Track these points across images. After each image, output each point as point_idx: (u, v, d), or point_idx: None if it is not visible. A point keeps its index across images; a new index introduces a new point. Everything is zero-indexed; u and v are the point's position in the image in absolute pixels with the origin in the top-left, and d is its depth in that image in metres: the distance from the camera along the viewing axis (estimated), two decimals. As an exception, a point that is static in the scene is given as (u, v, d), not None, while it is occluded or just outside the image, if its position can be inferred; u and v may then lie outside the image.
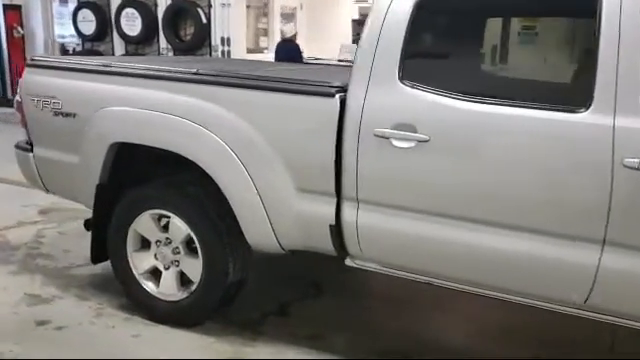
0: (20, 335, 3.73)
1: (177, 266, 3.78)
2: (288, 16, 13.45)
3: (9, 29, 12.79)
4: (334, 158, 3.18)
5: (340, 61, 11.02)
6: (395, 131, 3.02)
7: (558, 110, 2.77)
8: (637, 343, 3.78)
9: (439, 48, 3.19)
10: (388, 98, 3.07)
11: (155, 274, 3.89)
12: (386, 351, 3.69)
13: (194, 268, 3.70)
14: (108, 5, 12.15)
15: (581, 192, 2.74)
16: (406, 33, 3.04)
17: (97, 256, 4.06)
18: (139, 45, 12.07)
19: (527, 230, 2.87)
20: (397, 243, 3.19)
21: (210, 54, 11.27)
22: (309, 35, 12.82)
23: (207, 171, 3.48)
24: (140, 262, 3.89)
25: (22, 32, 12.98)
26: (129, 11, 11.74)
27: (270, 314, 4.07)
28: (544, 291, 2.96)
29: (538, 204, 2.84)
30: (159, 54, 11.77)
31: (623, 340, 3.83)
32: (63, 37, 13.37)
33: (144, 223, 3.81)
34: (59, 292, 4.27)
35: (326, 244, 3.35)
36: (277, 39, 12.01)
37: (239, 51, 11.34)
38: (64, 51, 13.33)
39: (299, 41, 10.68)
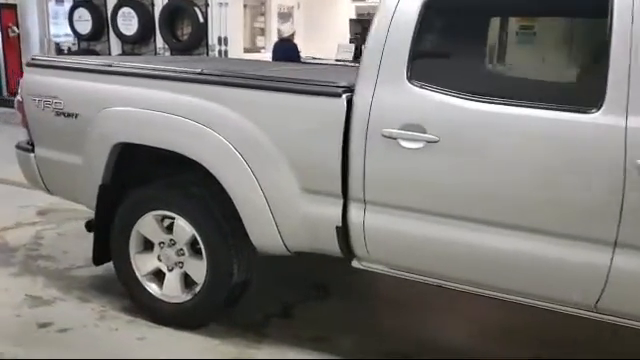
0: (22, 337, 3.70)
1: (181, 268, 3.75)
2: (285, 15, 13.43)
3: (4, 28, 12.73)
4: (340, 159, 3.15)
5: (338, 61, 11.01)
6: (403, 131, 2.99)
7: (569, 110, 2.75)
8: (637, 343, 3.77)
9: (448, 48, 3.15)
10: (396, 98, 3.04)
11: (158, 276, 3.85)
12: (391, 352, 3.67)
13: (198, 270, 3.67)
14: (104, 4, 12.10)
15: (592, 193, 2.72)
16: (414, 32, 3.01)
17: (99, 258, 4.02)
18: (135, 45, 12.03)
19: (537, 232, 2.85)
20: (405, 245, 3.16)
21: (207, 54, 11.25)
22: (306, 34, 12.80)
23: (211, 172, 3.44)
24: (143, 264, 3.85)
25: (17, 31, 12.92)
26: (125, 10, 11.70)
27: (274, 316, 4.04)
28: (557, 293, 2.94)
29: (547, 205, 2.82)
30: (156, 54, 11.74)
31: (623, 340, 3.80)
32: (57, 36, 13.32)
33: (147, 224, 3.77)
34: (61, 294, 4.23)
35: (332, 246, 3.33)
36: (274, 38, 11.98)
37: (236, 51, 11.31)
38: (59, 51, 13.28)
39: (296, 40, 10.65)
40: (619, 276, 2.75)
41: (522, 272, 2.94)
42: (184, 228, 3.64)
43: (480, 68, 3.30)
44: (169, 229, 3.76)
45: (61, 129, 3.92)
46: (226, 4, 11.08)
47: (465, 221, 2.97)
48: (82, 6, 12.18)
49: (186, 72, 3.58)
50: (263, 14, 13.10)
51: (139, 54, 11.81)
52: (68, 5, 12.58)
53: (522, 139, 2.83)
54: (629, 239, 2.69)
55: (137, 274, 3.85)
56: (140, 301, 3.90)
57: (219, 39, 11.23)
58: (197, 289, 3.70)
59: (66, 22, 12.68)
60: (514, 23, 3.36)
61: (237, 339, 3.72)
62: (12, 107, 11.07)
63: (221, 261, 3.58)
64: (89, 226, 4.11)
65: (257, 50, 12.62)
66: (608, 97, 2.66)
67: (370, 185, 3.12)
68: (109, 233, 3.90)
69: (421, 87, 3.00)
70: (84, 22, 12.23)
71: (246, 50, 12.04)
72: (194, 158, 3.47)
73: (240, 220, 3.46)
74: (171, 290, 3.79)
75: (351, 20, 13.52)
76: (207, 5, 11.16)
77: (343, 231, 3.26)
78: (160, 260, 3.81)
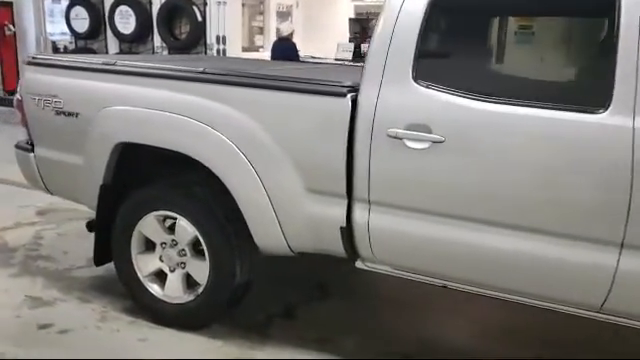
0: (23, 338, 3.66)
1: (183, 268, 3.72)
2: (284, 14, 13.41)
3: (0, 27, 12.67)
4: (345, 159, 3.12)
5: (337, 60, 10.99)
6: (409, 131, 2.96)
7: (576, 111, 2.72)
8: (638, 343, 3.76)
9: (454, 47, 3.12)
10: (401, 98, 3.02)
11: (160, 276, 3.82)
12: (394, 353, 3.65)
13: (201, 270, 3.64)
14: (102, 2, 12.07)
15: (599, 194, 2.70)
16: (420, 32, 2.99)
17: (100, 258, 3.98)
18: (133, 43, 11.99)
19: (544, 233, 2.83)
20: (410, 245, 3.14)
21: (205, 52, 11.22)
22: (305, 34, 12.79)
23: (214, 172, 3.42)
24: (145, 264, 3.82)
25: (13, 30, 12.87)
26: (123, 9, 11.67)
27: (276, 317, 4.02)
28: (564, 294, 2.91)
29: (553, 206, 2.79)
30: (153, 52, 11.71)
31: (624, 340, 3.80)
32: (53, 35, 13.28)
33: (149, 224, 3.74)
34: (61, 294, 4.20)
35: (337, 246, 3.30)
36: (273, 37, 11.97)
37: (234, 50, 11.29)
38: (55, 49, 13.24)
39: (295, 40, 10.61)
40: (626, 277, 2.73)
41: (529, 273, 2.92)
42: (186, 228, 3.61)
43: (486, 68, 3.28)
44: (171, 229, 3.73)
45: (61, 128, 3.88)
46: (224, 3, 11.05)
47: (471, 222, 2.95)
48: (79, 4, 12.13)
49: (189, 71, 3.54)
50: (261, 13, 13.09)
51: (137, 53, 11.77)
52: (65, 3, 12.54)
53: (528, 139, 2.80)
54: (636, 240, 2.67)
55: (139, 275, 3.82)
56: (142, 302, 3.87)
57: (217, 38, 11.20)
58: (199, 290, 3.67)
59: (62, 20, 12.65)
60: (520, 22, 3.32)
61: (240, 340, 3.70)
62: (8, 106, 11.09)
63: (224, 262, 3.55)
64: (90, 226, 4.08)
65: (255, 49, 12.61)
66: (615, 97, 2.64)
67: (375, 185, 3.10)
68: (110, 233, 3.87)
69: (427, 87, 2.97)
70: (81, 20, 12.19)
71: (244, 49, 12.03)
72: (197, 158, 3.44)
73: (243, 220, 3.44)
74: (173, 291, 3.76)
75: (350, 19, 13.49)
76: (205, 4, 11.13)
77: (347, 232, 3.24)
78: (162, 261, 3.78)
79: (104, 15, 12.03)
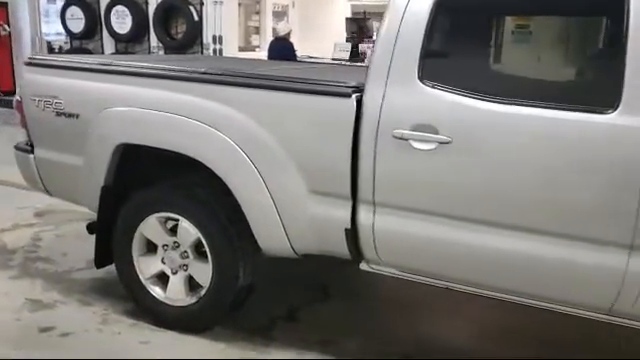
0: (24, 342, 3.63)
1: (185, 270, 3.69)
2: (280, 14, 13.39)
3: (-5, 27, 12.66)
4: (350, 160, 3.09)
5: (334, 59, 10.96)
6: (415, 132, 2.94)
7: (585, 111, 2.70)
8: (637, 343, 3.75)
9: (460, 47, 3.10)
10: (407, 98, 2.99)
11: (162, 279, 3.79)
12: (395, 353, 3.64)
13: (203, 272, 3.61)
14: (97, 2, 12.02)
15: (608, 195, 2.67)
16: (425, 32, 2.96)
17: (101, 260, 3.95)
18: (129, 43, 11.96)
19: (553, 234, 2.80)
20: (416, 247, 3.11)
21: (202, 52, 11.19)
22: (301, 33, 12.76)
23: (217, 173, 3.39)
24: (147, 267, 3.78)
25: (8, 30, 12.81)
26: (119, 8, 11.63)
27: (279, 319, 3.99)
28: (572, 296, 2.90)
29: (561, 207, 2.77)
30: (150, 52, 11.67)
31: (623, 340, 3.78)
32: (48, 35, 13.23)
33: (151, 226, 3.71)
34: (61, 297, 4.16)
35: (341, 248, 3.27)
36: (269, 37, 11.95)
37: (231, 49, 11.28)
38: (50, 49, 13.19)
39: (291, 39, 10.58)
40: (635, 279, 2.71)
41: (537, 276, 2.90)
42: (188, 230, 3.58)
43: (493, 68, 3.26)
44: (173, 231, 3.70)
45: (61, 129, 3.85)
46: (221, 2, 11.02)
47: (479, 224, 2.92)
48: (75, 4, 12.08)
49: (190, 71, 3.51)
50: (257, 13, 13.07)
51: (133, 53, 11.73)
52: (60, 3, 12.49)
53: (536, 140, 2.78)
54: None
55: (140, 277, 3.79)
56: (143, 304, 3.83)
57: (214, 38, 11.17)
58: (202, 292, 3.64)
59: (57, 20, 12.60)
60: (526, 22, 3.30)
61: (243, 343, 3.67)
62: (4, 106, 11.04)
63: (227, 264, 3.52)
64: (90, 228, 4.03)
65: (252, 49, 12.60)
66: (624, 97, 2.62)
67: (380, 187, 3.07)
68: (111, 235, 3.84)
69: (433, 87, 2.95)
70: (77, 20, 12.14)
71: (240, 49, 12.00)
72: (199, 159, 3.41)
73: (246, 222, 3.41)
74: (175, 293, 3.73)
75: (347, 19, 13.47)
76: (202, 3, 11.10)
77: (352, 233, 3.21)
78: (164, 263, 3.75)
79: (100, 15, 11.98)
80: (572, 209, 2.75)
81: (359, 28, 12.36)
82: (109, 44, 12.15)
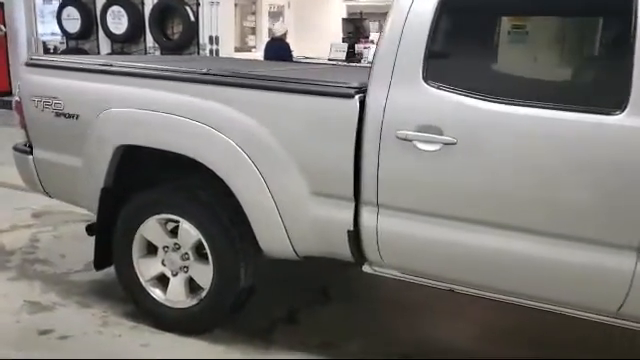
0: (23, 344, 3.60)
1: (186, 272, 3.66)
2: (275, 14, 13.38)
3: (-9, 28, 12.62)
4: (353, 161, 3.07)
5: (330, 60, 10.94)
6: (419, 133, 2.92)
7: (592, 112, 2.68)
8: (637, 343, 3.75)
9: (465, 47, 3.08)
10: (411, 99, 2.97)
11: (162, 281, 3.76)
12: (395, 353, 3.63)
13: (204, 274, 3.58)
14: (93, 3, 11.99)
15: (617, 196, 2.66)
16: (430, 32, 2.94)
17: (100, 262, 3.91)
18: (125, 44, 11.94)
19: (560, 236, 2.78)
20: (420, 249, 3.09)
21: (198, 53, 11.17)
22: (297, 34, 12.74)
23: (219, 174, 3.36)
24: (147, 268, 3.75)
25: (4, 30, 12.77)
26: (115, 9, 11.62)
27: (279, 321, 3.96)
28: (579, 299, 2.88)
29: (568, 209, 2.75)
30: (146, 53, 11.65)
31: (623, 339, 3.78)
32: (43, 35, 13.19)
33: (151, 228, 3.68)
34: (60, 299, 4.13)
35: (344, 250, 3.25)
36: (265, 38, 11.93)
37: (227, 50, 11.26)
38: (45, 50, 13.16)
39: (287, 40, 10.57)
40: None
41: (544, 278, 2.88)
42: (189, 232, 3.55)
43: (499, 68, 3.24)
44: (173, 233, 3.68)
45: (61, 130, 3.82)
46: (217, 3, 11.01)
47: (484, 225, 2.90)
48: (71, 4, 12.06)
49: (192, 72, 3.49)
50: (253, 13, 13.05)
51: (129, 53, 11.71)
52: (56, 4, 12.47)
53: (543, 141, 2.76)
54: None
55: (140, 279, 3.76)
56: (143, 306, 3.81)
57: (210, 38, 11.14)
58: (203, 294, 3.61)
59: (53, 21, 12.59)
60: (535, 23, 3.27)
61: (243, 345, 3.65)
62: (2, 107, 10.99)
63: (228, 265, 3.50)
64: (90, 230, 4.00)
65: (248, 49, 12.57)
66: (632, 98, 2.60)
67: (384, 188, 3.05)
68: (111, 237, 3.81)
69: (437, 87, 2.93)
70: (73, 21, 12.13)
71: (237, 49, 11.98)
72: (201, 160, 3.38)
73: (247, 223, 3.39)
74: (175, 295, 3.70)
75: (344, 19, 13.45)
76: (198, 4, 11.08)
77: (355, 235, 3.19)
78: (164, 265, 3.72)
79: (96, 15, 11.94)
80: (579, 211, 2.73)
81: (355, 28, 12.32)
82: (105, 44, 12.12)
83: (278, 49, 10.12)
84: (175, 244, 3.66)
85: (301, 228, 3.30)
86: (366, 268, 3.34)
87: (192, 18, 11.07)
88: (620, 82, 2.63)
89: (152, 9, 11.33)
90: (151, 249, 3.76)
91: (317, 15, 13.88)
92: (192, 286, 3.68)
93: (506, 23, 3.12)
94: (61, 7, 12.18)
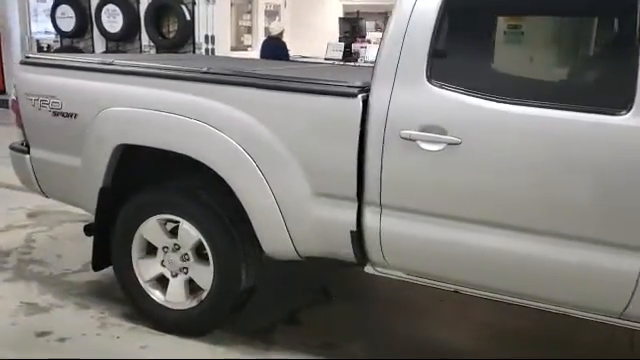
0: (21, 347, 3.55)
1: (186, 273, 3.62)
2: (272, 13, 13.35)
3: (-15, 26, 12.55)
4: (356, 161, 3.04)
5: (327, 59, 10.92)
6: (423, 133, 2.89)
7: (597, 112, 2.66)
8: (637, 343, 3.75)
9: (469, 46, 3.04)
10: (415, 98, 2.94)
11: (162, 282, 3.72)
12: (396, 352, 3.62)
13: (204, 275, 3.54)
14: (88, 1, 11.93)
15: (621, 197, 2.64)
16: (433, 31, 2.91)
17: (99, 263, 3.87)
18: (120, 42, 11.87)
19: (565, 237, 2.76)
20: (423, 250, 3.06)
21: (194, 52, 11.14)
22: (293, 33, 12.70)
23: (220, 174, 3.32)
24: (146, 269, 3.71)
25: (-2, 28, 12.72)
26: (110, 7, 11.56)
27: (279, 322, 3.94)
28: (584, 300, 2.86)
29: (574, 209, 2.73)
30: (141, 51, 11.60)
31: (622, 340, 3.78)
32: (37, 34, 13.13)
33: (151, 228, 3.64)
34: (57, 300, 4.08)
35: (346, 251, 3.22)
36: (261, 37, 11.89)
37: (223, 49, 11.23)
38: (39, 48, 13.10)
39: (284, 39, 10.53)
40: None
41: (549, 279, 2.85)
42: (189, 232, 3.51)
43: (504, 68, 3.21)
44: (173, 233, 3.64)
45: (59, 130, 3.77)
46: (213, 2, 10.97)
47: (488, 226, 2.88)
48: (65, 3, 11.99)
49: (192, 71, 3.45)
50: (249, 12, 13.01)
51: (124, 52, 11.66)
52: (50, 2, 12.39)
53: (548, 141, 2.73)
54: None
55: (139, 280, 3.72)
56: (142, 308, 3.77)
57: (206, 37, 11.10)
58: (203, 295, 3.57)
59: (46, 19, 12.53)
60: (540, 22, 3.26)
61: (243, 347, 3.61)
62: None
63: (229, 266, 3.46)
64: (88, 230, 3.95)
65: (244, 48, 12.54)
66: (638, 98, 2.58)
67: (387, 188, 3.02)
68: (109, 237, 3.77)
69: (441, 87, 2.90)
70: (67, 19, 12.07)
71: (233, 48, 11.95)
72: (202, 160, 3.34)
73: (248, 223, 3.35)
74: (175, 296, 3.66)
75: (340, 19, 13.43)
76: (194, 3, 11.04)
77: (357, 236, 3.16)
78: (164, 266, 3.68)
79: (91, 14, 11.89)
80: (584, 211, 2.71)
81: (352, 28, 12.31)
82: (100, 43, 12.07)
83: (275, 48, 10.08)
84: (175, 245, 3.62)
85: (303, 229, 3.26)
86: (368, 269, 3.32)
87: (188, 17, 11.02)
88: (626, 82, 2.61)
89: (147, 7, 11.29)
90: (150, 250, 3.72)
91: (313, 14, 13.87)
92: (192, 287, 3.64)
93: (507, 23, 3.10)
94: (55, 5, 12.11)
